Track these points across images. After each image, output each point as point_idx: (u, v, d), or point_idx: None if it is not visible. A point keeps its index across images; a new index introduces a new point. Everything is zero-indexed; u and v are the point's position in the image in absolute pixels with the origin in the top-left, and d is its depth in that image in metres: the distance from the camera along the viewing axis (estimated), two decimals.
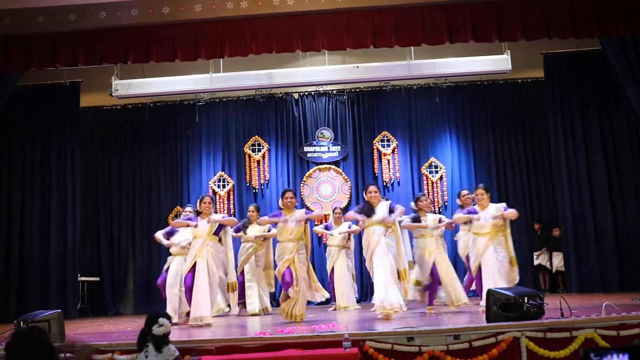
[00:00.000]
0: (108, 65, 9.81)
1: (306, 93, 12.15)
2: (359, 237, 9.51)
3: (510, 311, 5.59)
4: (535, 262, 11.37)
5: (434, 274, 7.73)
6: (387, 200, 7.65)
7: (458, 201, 8.91)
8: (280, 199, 7.59)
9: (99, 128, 12.11)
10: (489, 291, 5.92)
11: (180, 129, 12.18)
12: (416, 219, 8.03)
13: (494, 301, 5.76)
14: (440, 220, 8.09)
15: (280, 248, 7.39)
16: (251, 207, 9.67)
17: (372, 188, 7.44)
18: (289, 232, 7.33)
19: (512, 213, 7.35)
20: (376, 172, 11.83)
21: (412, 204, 8.32)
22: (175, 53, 9.33)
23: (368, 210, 7.33)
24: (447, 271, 7.77)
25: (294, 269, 7.20)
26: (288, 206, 7.42)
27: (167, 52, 9.33)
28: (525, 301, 5.60)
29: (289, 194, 7.44)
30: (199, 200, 7.56)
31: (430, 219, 8.05)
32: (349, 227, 9.55)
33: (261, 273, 9.25)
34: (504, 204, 7.58)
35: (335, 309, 9.20)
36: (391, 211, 7.26)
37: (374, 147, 11.91)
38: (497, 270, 7.13)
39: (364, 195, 7.53)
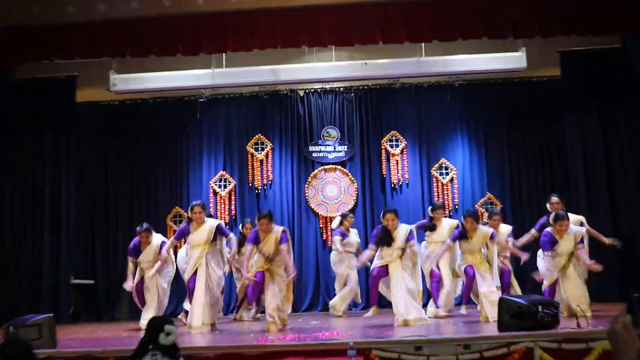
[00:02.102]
0: (106, 59, 9.85)
1: (312, 90, 12.12)
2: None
3: (523, 320, 5.56)
4: None
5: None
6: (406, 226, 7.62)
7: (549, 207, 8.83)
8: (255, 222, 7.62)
9: (96, 124, 12.09)
10: (501, 299, 5.89)
11: (180, 126, 12.16)
12: (431, 227, 8.10)
13: (506, 309, 5.72)
14: (458, 227, 8.14)
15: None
16: (247, 225, 9.63)
17: (389, 216, 7.45)
18: (265, 257, 7.46)
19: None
20: (384, 173, 11.80)
21: (429, 210, 8.33)
22: (176, 47, 9.34)
23: (387, 238, 7.45)
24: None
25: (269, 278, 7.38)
26: (265, 231, 7.43)
27: (168, 46, 9.34)
28: (540, 310, 5.57)
29: (263, 221, 7.41)
30: (189, 208, 7.67)
31: (446, 224, 8.17)
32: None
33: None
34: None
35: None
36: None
37: (382, 147, 11.88)
38: None
39: (381, 219, 7.55)
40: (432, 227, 8.71)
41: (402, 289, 7.13)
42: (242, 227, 9.85)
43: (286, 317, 7.51)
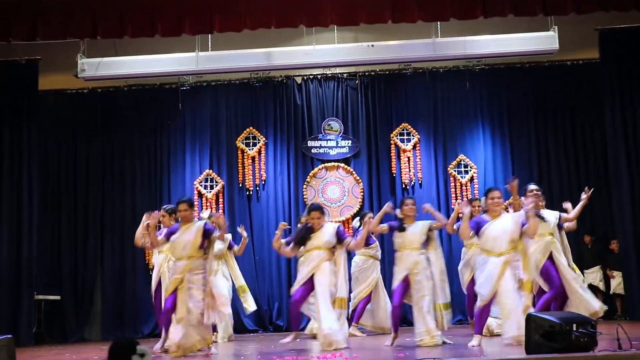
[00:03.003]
0: (73, 40, 9.82)
1: (311, 76, 12.10)
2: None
3: (555, 341, 5.51)
4: (586, 282, 11.25)
5: None
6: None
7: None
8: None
9: (62, 116, 12.06)
10: (529, 316, 5.84)
11: (160, 118, 12.15)
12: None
13: (535, 328, 5.68)
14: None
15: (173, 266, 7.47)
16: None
17: (314, 214, 7.67)
18: (182, 246, 7.25)
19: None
20: (394, 171, 11.77)
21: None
22: (155, 27, 9.34)
23: (305, 234, 7.66)
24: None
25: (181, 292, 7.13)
26: (186, 219, 7.37)
27: (145, 26, 9.35)
28: (574, 329, 5.52)
29: (182, 206, 7.35)
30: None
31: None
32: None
33: None
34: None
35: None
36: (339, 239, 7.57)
37: (392, 141, 11.86)
38: None
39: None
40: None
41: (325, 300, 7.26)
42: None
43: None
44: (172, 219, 8.43)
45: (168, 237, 7.41)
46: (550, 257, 7.49)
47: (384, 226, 7.60)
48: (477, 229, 7.10)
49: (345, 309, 7.61)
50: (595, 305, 7.52)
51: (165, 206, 8.91)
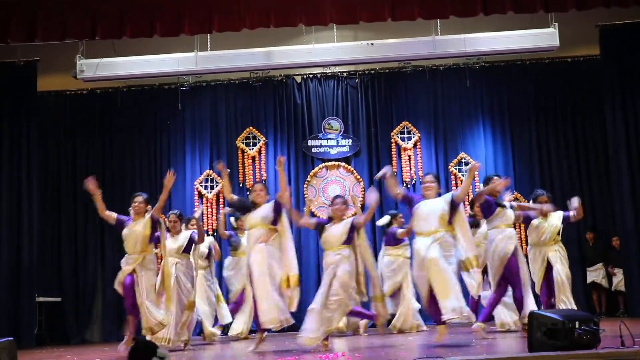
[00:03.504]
0: (72, 41, 9.82)
1: (310, 75, 12.11)
2: None
3: (557, 339, 5.50)
4: (589, 279, 11.28)
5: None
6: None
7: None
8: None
9: (61, 117, 12.08)
10: (532, 314, 5.84)
11: (159, 118, 12.17)
12: (476, 224, 8.34)
13: (537, 326, 5.67)
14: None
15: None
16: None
17: (256, 186, 7.87)
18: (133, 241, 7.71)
19: None
20: (395, 170, 11.76)
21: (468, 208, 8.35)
22: (154, 27, 9.34)
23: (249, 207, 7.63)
24: None
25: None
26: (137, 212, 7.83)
27: (144, 26, 9.34)
28: (577, 326, 5.51)
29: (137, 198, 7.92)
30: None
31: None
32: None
33: None
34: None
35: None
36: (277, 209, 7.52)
37: (392, 140, 11.87)
38: None
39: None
40: (476, 224, 8.71)
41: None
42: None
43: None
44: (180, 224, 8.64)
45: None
46: (514, 252, 7.40)
47: (312, 221, 7.62)
48: (410, 203, 7.20)
49: (296, 286, 7.37)
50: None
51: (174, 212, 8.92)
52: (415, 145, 11.84)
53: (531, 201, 8.36)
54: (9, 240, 10.85)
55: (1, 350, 5.86)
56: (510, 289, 7.55)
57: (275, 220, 7.50)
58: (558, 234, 8.20)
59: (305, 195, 11.74)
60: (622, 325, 5.68)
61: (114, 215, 8.00)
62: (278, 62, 10.85)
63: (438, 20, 10.21)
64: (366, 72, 12.03)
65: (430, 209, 7.07)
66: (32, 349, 10.20)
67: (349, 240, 7.17)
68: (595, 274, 11.25)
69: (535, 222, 8.11)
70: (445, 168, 11.78)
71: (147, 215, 7.77)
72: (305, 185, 11.79)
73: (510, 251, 7.33)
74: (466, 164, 11.72)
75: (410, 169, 11.73)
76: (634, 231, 10.57)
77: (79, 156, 12.04)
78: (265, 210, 7.52)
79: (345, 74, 12.10)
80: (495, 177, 7.69)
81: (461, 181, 11.65)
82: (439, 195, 7.33)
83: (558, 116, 11.73)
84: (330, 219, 7.37)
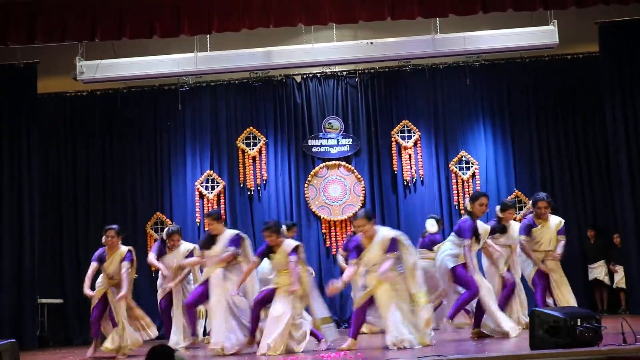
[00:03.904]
0: (71, 43, 9.82)
1: (310, 75, 12.10)
2: None
3: (559, 336, 5.51)
4: (590, 277, 11.28)
5: None
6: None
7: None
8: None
9: (62, 119, 12.09)
10: (533, 312, 5.85)
11: (159, 119, 12.17)
12: (502, 229, 8.19)
13: (539, 324, 5.68)
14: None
15: None
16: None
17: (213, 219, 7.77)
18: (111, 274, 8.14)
19: None
20: (395, 169, 11.77)
21: (498, 210, 8.29)
22: (153, 28, 9.35)
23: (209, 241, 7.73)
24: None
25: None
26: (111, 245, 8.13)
27: (143, 27, 9.35)
28: (578, 324, 5.52)
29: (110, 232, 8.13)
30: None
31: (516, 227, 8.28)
32: None
33: None
34: None
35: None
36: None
37: (393, 139, 11.86)
38: None
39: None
40: (502, 229, 8.67)
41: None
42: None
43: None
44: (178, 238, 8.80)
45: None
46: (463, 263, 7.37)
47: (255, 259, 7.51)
48: (359, 252, 6.99)
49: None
50: None
51: (169, 229, 9.06)
52: (415, 144, 11.83)
53: (530, 203, 8.36)
54: (11, 242, 10.85)
55: (3, 351, 5.86)
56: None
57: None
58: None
59: (306, 195, 11.74)
60: (624, 323, 5.69)
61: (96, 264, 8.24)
62: (278, 62, 10.82)
63: (437, 18, 10.19)
64: (366, 71, 12.03)
65: (373, 255, 6.94)
66: (35, 350, 10.21)
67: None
68: (597, 272, 11.26)
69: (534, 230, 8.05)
70: (445, 166, 11.78)
71: (123, 250, 8.11)
72: (305, 185, 11.79)
73: (451, 265, 7.33)
74: (466, 162, 11.73)
75: (411, 167, 11.73)
76: (634, 228, 10.56)
77: (79, 158, 12.04)
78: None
79: (345, 73, 12.10)
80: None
81: (462, 180, 11.65)
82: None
83: (558, 113, 11.73)
84: (270, 248, 7.35)
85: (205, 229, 8.21)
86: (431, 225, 9.57)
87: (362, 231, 6.95)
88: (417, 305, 6.86)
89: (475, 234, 7.43)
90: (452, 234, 7.60)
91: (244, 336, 7.30)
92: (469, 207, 7.55)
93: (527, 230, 8.01)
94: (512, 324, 7.41)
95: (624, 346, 5.44)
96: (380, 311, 6.86)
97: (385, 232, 7.02)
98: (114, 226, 8.21)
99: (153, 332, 8.63)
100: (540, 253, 7.99)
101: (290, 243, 7.28)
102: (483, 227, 7.80)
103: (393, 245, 6.87)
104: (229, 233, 7.66)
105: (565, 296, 7.90)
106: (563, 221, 8.14)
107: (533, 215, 8.09)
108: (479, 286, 7.28)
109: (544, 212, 7.99)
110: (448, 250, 7.48)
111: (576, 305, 7.77)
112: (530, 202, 8.35)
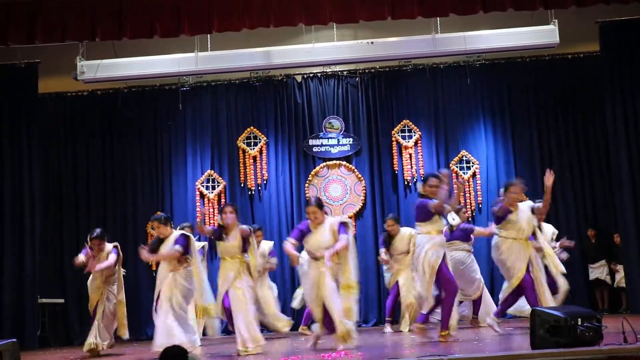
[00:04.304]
0: (72, 43, 9.82)
1: (311, 75, 12.10)
2: None
3: (560, 336, 5.51)
4: (591, 276, 11.27)
5: None
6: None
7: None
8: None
9: (62, 119, 12.09)
10: (534, 311, 5.84)
11: (160, 119, 12.16)
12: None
13: (540, 323, 5.67)
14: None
15: None
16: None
17: (227, 208, 7.54)
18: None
19: None
20: (396, 168, 11.77)
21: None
22: (153, 28, 9.35)
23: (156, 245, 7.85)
24: None
25: None
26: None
27: (143, 27, 9.35)
28: (579, 323, 5.51)
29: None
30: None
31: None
32: None
33: None
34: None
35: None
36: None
37: (393, 138, 11.86)
38: None
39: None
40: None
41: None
42: None
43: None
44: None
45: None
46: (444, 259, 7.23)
47: (209, 229, 7.64)
48: (301, 237, 7.17)
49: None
50: None
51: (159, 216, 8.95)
52: (416, 143, 11.83)
53: (502, 189, 8.30)
54: (12, 242, 10.86)
55: (4, 351, 5.86)
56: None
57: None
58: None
59: (307, 195, 11.74)
60: (625, 322, 5.68)
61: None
62: (278, 62, 10.83)
63: (438, 18, 10.19)
64: (366, 70, 12.02)
65: (320, 239, 7.09)
66: (35, 350, 10.22)
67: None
68: (598, 271, 11.25)
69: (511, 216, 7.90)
70: (446, 166, 11.75)
71: (109, 248, 8.41)
72: (306, 185, 11.79)
73: (440, 259, 7.15)
74: (467, 161, 11.73)
75: (412, 167, 11.73)
76: (635, 228, 10.56)
77: (80, 157, 12.04)
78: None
79: (345, 73, 12.10)
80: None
81: (462, 179, 11.64)
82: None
83: (558, 113, 11.72)
84: (221, 227, 7.47)
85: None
86: (452, 219, 9.58)
87: (313, 218, 7.13)
88: (349, 295, 7.00)
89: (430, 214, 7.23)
90: (416, 223, 7.41)
91: (186, 337, 7.32)
92: (420, 190, 7.39)
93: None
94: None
95: (624, 345, 5.43)
96: (325, 301, 6.95)
97: (334, 218, 7.37)
98: (96, 232, 8.42)
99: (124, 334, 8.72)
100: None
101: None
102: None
103: (343, 228, 7.07)
104: (175, 234, 7.74)
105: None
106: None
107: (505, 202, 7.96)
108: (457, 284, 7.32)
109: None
110: (426, 244, 7.23)
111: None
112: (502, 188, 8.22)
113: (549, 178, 7.71)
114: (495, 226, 8.06)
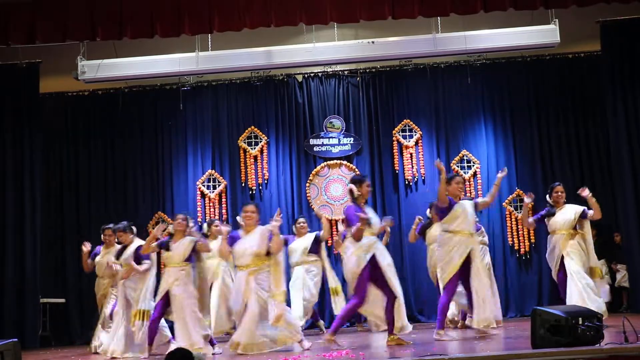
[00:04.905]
0: (73, 42, 9.82)
1: (312, 74, 12.10)
2: None
3: (561, 335, 5.51)
4: None
5: None
6: None
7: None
8: None
9: (63, 118, 12.10)
10: (535, 310, 5.84)
11: (161, 119, 12.16)
12: (551, 214, 8.35)
13: (541, 322, 5.68)
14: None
15: None
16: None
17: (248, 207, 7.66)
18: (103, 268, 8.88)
19: None
20: (396, 168, 11.77)
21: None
22: (154, 28, 9.35)
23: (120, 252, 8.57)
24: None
25: None
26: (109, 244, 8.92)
27: (144, 27, 9.35)
28: (580, 323, 5.52)
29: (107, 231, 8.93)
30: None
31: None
32: None
33: None
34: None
35: None
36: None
37: (394, 138, 11.86)
38: None
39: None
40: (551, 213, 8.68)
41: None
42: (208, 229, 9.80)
43: None
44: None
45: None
46: (374, 260, 7.10)
47: (154, 246, 7.73)
48: (232, 243, 7.40)
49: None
50: None
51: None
52: (417, 143, 11.83)
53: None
54: (13, 242, 10.88)
55: (5, 351, 5.87)
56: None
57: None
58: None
59: (308, 194, 11.74)
60: (626, 321, 5.68)
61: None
62: (279, 62, 10.82)
63: (438, 17, 10.20)
64: (367, 70, 12.02)
65: (248, 245, 7.35)
66: (37, 350, 10.24)
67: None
68: None
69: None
70: (447, 165, 11.75)
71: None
72: (307, 185, 11.79)
73: (365, 263, 7.02)
74: (468, 161, 11.73)
75: (412, 167, 11.73)
76: (637, 227, 10.56)
77: (80, 157, 12.04)
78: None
79: (346, 72, 12.09)
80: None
81: (463, 179, 11.61)
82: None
83: (559, 112, 11.72)
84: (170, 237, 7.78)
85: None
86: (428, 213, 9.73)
87: (249, 218, 7.38)
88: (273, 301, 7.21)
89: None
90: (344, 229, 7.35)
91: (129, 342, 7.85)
92: (355, 193, 7.29)
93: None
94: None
95: (625, 345, 5.44)
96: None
97: (266, 227, 7.45)
98: (110, 225, 8.83)
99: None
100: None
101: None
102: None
103: (271, 237, 7.30)
104: (136, 243, 8.15)
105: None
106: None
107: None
108: (367, 296, 7.09)
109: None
110: (352, 248, 7.12)
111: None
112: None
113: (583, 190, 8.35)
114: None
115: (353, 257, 7.02)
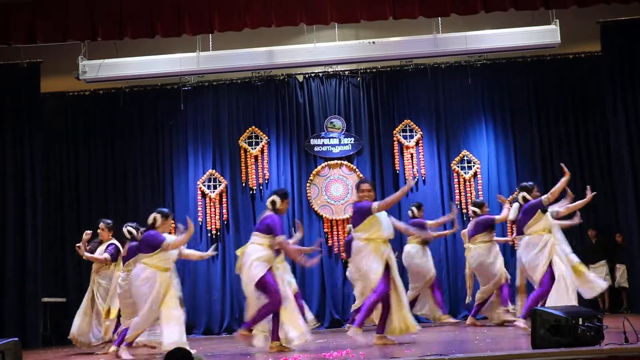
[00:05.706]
0: (74, 42, 9.83)
1: (312, 75, 12.11)
2: None
3: (561, 335, 5.51)
4: None
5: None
6: None
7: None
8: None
9: (64, 118, 12.12)
10: (535, 311, 5.84)
11: (162, 118, 12.17)
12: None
13: (541, 323, 5.68)
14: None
15: None
16: None
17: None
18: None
19: None
20: (397, 168, 11.78)
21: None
22: (155, 28, 9.35)
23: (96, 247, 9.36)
24: None
25: None
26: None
27: (145, 27, 9.35)
28: (580, 323, 5.52)
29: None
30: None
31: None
32: None
33: None
34: None
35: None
36: None
37: (395, 138, 11.87)
38: None
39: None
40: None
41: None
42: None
43: None
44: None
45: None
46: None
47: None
48: None
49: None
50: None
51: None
52: (417, 143, 11.83)
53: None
54: (14, 241, 10.87)
55: (6, 350, 5.86)
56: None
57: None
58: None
59: (308, 194, 11.74)
60: (626, 322, 5.68)
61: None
62: (280, 62, 10.83)
63: (439, 18, 10.20)
64: (368, 70, 12.02)
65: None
66: (37, 349, 10.22)
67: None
68: (599, 271, 11.19)
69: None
70: (447, 166, 11.78)
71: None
72: (307, 184, 11.79)
73: (263, 272, 7.03)
74: (468, 161, 11.73)
75: (413, 167, 11.74)
76: (637, 227, 10.55)
77: (81, 156, 12.06)
78: None
79: (347, 72, 12.10)
80: None
81: (463, 179, 11.64)
82: None
83: (560, 113, 11.72)
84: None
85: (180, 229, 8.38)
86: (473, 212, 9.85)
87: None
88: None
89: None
90: (257, 233, 7.27)
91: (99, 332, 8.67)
92: (278, 205, 7.36)
93: None
94: (297, 333, 7.06)
95: (625, 345, 5.44)
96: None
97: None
98: (107, 220, 9.11)
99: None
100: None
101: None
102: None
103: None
104: (110, 242, 8.79)
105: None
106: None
107: None
108: (282, 298, 7.05)
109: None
110: (258, 252, 7.13)
111: None
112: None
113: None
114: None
115: (255, 263, 7.07)
